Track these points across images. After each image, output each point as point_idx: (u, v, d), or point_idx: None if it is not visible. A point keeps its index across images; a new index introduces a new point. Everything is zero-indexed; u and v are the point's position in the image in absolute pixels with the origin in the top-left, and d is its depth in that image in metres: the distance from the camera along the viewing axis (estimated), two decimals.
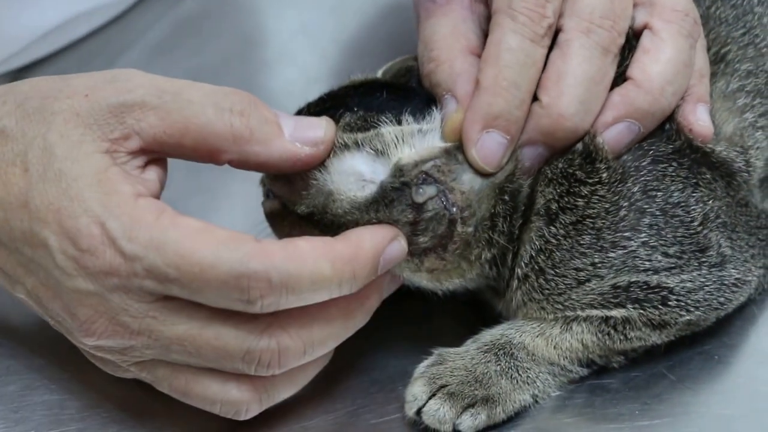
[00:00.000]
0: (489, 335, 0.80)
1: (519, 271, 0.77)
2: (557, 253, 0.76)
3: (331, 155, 0.74)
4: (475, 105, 0.74)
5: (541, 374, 0.78)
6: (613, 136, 0.76)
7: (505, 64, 0.73)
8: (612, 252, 0.75)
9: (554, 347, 0.78)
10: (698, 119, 0.77)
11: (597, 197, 0.75)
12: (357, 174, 0.74)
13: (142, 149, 0.70)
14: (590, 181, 0.75)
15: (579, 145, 0.75)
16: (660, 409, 0.78)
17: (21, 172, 0.69)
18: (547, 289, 0.77)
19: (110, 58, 1.10)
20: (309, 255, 0.68)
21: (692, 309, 0.77)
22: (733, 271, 0.78)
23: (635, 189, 0.76)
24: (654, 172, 0.76)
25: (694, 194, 0.77)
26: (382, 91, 0.78)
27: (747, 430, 0.76)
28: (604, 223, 0.75)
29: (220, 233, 0.67)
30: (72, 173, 0.68)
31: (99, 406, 0.79)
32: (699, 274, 0.76)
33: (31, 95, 0.71)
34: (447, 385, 0.77)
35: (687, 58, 0.77)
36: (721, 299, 0.78)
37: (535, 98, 0.74)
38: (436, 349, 0.79)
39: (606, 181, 0.75)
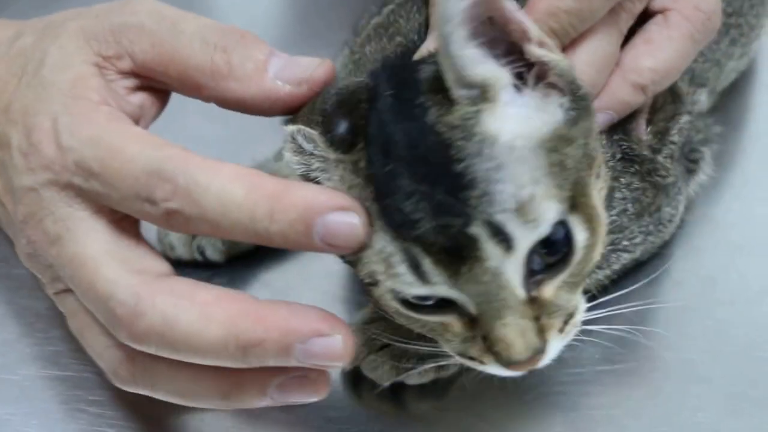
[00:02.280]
0: None
1: None
2: None
3: None
4: None
5: None
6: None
7: None
8: None
9: None
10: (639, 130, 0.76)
11: None
12: None
13: (132, 71, 0.71)
14: None
15: None
16: (622, 353, 0.76)
17: (16, 81, 0.71)
18: None
19: None
20: (226, 172, 0.63)
21: (634, 251, 0.77)
22: (667, 209, 0.78)
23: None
24: (623, 165, 0.74)
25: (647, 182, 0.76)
26: None
27: (713, 373, 0.75)
28: None
29: (157, 140, 0.65)
30: (52, 78, 0.69)
31: None
32: (643, 221, 0.77)
33: (58, 17, 0.73)
34: (388, 346, 0.73)
35: (684, 64, 0.73)
36: (660, 234, 0.79)
37: None
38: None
39: None
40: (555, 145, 0.61)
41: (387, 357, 0.73)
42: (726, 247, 0.82)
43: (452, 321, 0.64)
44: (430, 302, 0.63)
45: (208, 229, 0.63)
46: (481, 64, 0.61)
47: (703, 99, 0.84)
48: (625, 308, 0.72)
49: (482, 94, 0.61)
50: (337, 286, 0.80)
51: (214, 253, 0.82)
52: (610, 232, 0.73)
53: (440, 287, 0.61)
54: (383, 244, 0.61)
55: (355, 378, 0.75)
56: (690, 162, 0.81)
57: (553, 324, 0.63)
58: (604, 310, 0.68)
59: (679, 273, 0.80)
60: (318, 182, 0.65)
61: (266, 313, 0.62)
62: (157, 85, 0.72)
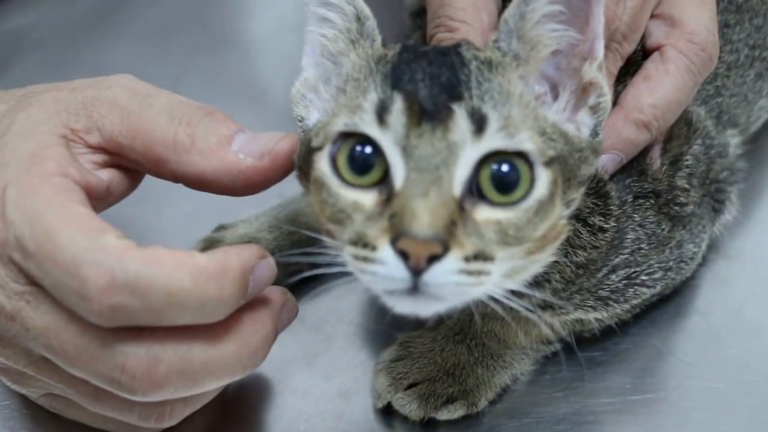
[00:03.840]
0: (455, 321, 0.77)
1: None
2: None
3: None
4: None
5: (516, 356, 0.77)
6: (602, 166, 0.72)
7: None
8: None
9: (525, 334, 0.77)
10: (654, 155, 0.76)
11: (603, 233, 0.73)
12: None
13: (101, 147, 0.69)
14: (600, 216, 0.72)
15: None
16: (652, 383, 0.77)
17: None
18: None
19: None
20: (167, 262, 0.62)
21: (654, 286, 0.77)
22: (690, 245, 0.78)
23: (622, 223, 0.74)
24: (635, 205, 0.75)
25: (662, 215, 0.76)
26: None
27: (740, 402, 0.76)
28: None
29: (96, 223, 0.63)
30: (14, 145, 0.66)
31: None
32: (663, 257, 0.76)
33: (38, 88, 0.72)
34: (416, 384, 0.75)
35: (685, 97, 0.74)
36: (681, 271, 0.79)
37: None
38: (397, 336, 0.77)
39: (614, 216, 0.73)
40: (554, 134, 0.64)
41: (414, 396, 0.74)
42: (752, 280, 0.83)
43: (367, 199, 0.63)
44: (365, 160, 0.63)
45: (152, 320, 0.62)
46: (550, 43, 0.66)
47: (735, 142, 0.84)
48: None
49: (522, 59, 0.66)
50: (369, 319, 0.81)
51: None
52: (626, 266, 0.74)
53: (391, 135, 0.62)
54: (362, 96, 0.64)
55: (387, 412, 0.76)
56: (716, 202, 0.81)
57: (463, 243, 0.60)
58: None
59: (706, 304, 0.81)
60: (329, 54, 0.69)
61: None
62: (126, 164, 0.70)
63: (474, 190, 0.62)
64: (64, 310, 0.63)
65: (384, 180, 0.62)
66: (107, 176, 0.69)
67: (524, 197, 0.62)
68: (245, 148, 0.68)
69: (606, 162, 0.72)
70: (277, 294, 0.68)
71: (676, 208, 0.76)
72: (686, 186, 0.77)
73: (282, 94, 0.72)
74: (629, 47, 0.73)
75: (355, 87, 0.65)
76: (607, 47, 0.70)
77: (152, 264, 0.61)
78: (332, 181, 0.64)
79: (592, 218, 0.71)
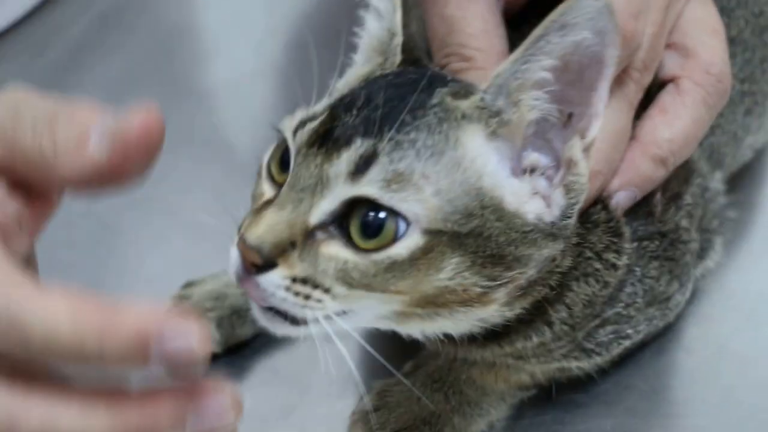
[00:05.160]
0: (433, 368, 0.76)
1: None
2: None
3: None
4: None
5: (493, 402, 0.76)
6: (616, 203, 0.70)
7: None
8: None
9: (504, 381, 0.75)
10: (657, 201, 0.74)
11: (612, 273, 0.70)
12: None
13: None
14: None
15: (602, 214, 0.70)
16: (634, 423, 0.75)
17: None
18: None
19: (31, 55, 1.02)
20: (51, 299, 0.54)
21: (636, 337, 0.75)
22: (678, 296, 0.76)
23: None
24: (639, 249, 0.73)
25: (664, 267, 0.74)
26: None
27: None
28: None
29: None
30: None
31: None
32: (651, 309, 0.74)
33: None
34: None
35: (701, 131, 0.71)
36: (666, 318, 0.77)
37: None
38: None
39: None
40: (481, 210, 0.62)
41: None
42: (736, 315, 0.82)
43: (267, 193, 0.66)
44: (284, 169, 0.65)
45: (26, 352, 0.54)
46: (533, 110, 0.63)
47: (719, 185, 0.82)
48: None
49: (498, 122, 0.63)
50: (347, 370, 0.79)
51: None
52: (615, 321, 0.73)
53: (294, 146, 0.64)
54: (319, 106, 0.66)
55: None
56: (701, 249, 0.79)
57: (293, 265, 0.62)
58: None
59: (689, 341, 0.80)
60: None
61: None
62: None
63: (344, 227, 0.62)
64: None
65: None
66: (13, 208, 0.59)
67: (377, 249, 0.62)
68: (103, 140, 0.58)
69: (621, 199, 0.70)
70: (206, 385, 0.55)
71: (681, 247, 0.74)
72: (687, 226, 0.75)
73: (245, 143, 0.71)
74: (649, 77, 0.70)
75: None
76: (628, 75, 0.68)
77: (34, 299, 0.54)
78: (264, 174, 0.67)
79: (607, 254, 0.69)
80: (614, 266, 0.69)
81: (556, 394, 0.75)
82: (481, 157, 0.63)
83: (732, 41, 0.80)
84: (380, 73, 0.68)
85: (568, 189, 0.64)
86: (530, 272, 0.64)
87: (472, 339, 0.68)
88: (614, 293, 0.71)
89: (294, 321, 0.63)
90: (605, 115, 0.65)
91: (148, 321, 0.53)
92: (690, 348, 0.79)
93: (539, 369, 0.74)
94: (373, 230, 0.61)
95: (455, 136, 0.63)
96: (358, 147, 0.62)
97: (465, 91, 0.65)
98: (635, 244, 0.71)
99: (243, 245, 0.62)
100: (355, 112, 0.63)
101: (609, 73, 0.62)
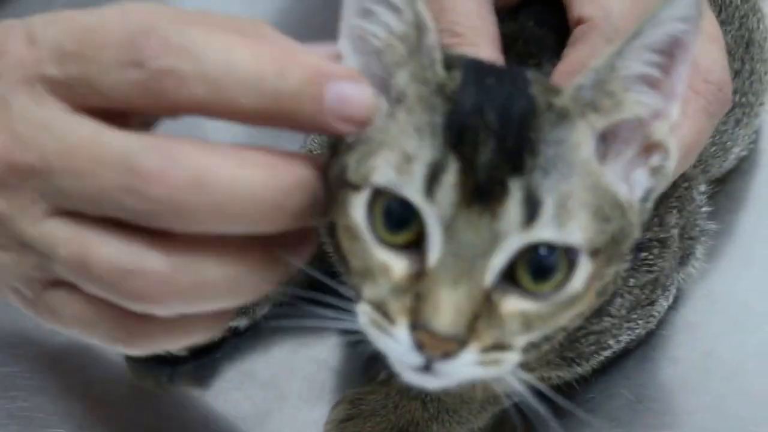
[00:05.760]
0: None
1: None
2: None
3: None
4: None
5: (473, 410, 0.74)
6: None
7: None
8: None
9: (483, 389, 0.72)
10: None
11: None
12: None
13: None
14: None
15: None
16: None
17: None
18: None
19: None
20: (224, 34, 0.57)
21: (617, 347, 0.74)
22: (662, 301, 0.75)
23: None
24: (635, 261, 0.71)
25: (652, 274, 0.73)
26: None
27: None
28: None
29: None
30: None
31: None
32: (633, 316, 0.73)
33: None
34: None
35: (703, 140, 0.68)
36: (648, 325, 0.75)
37: None
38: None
39: None
40: (611, 211, 0.58)
41: None
42: (722, 322, 0.80)
43: (398, 267, 0.56)
44: (396, 228, 0.56)
45: (204, 92, 0.55)
46: (635, 104, 0.58)
47: (702, 196, 0.80)
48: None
49: (597, 117, 0.58)
50: (324, 375, 0.78)
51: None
52: (599, 332, 0.71)
53: (436, 210, 0.55)
54: (416, 143, 0.55)
55: None
56: (683, 256, 0.78)
57: (483, 337, 0.56)
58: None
59: (675, 349, 0.79)
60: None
61: None
62: None
63: (504, 276, 0.56)
64: (89, 123, 0.57)
65: (418, 244, 0.56)
66: None
67: (556, 290, 0.56)
68: None
69: None
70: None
71: (668, 252, 0.73)
72: (672, 221, 0.74)
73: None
74: None
75: (407, 121, 0.56)
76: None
77: (207, 31, 0.56)
78: (367, 237, 0.57)
79: None
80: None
81: (538, 401, 0.73)
82: (591, 158, 0.58)
83: None
84: (457, 84, 0.58)
85: (655, 172, 0.60)
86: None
87: None
88: (604, 305, 0.69)
89: None
90: None
91: (328, 65, 0.56)
92: (675, 356, 0.78)
93: (518, 378, 0.72)
94: (548, 271, 0.56)
95: (576, 138, 0.57)
96: (517, 190, 0.55)
97: (549, 85, 0.60)
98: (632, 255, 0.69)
99: (430, 338, 0.55)
100: (482, 148, 0.55)
101: (689, 57, 0.59)
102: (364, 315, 0.57)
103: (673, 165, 0.60)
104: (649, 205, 0.60)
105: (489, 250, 0.55)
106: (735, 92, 0.81)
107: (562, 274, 0.56)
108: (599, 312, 0.69)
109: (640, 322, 0.74)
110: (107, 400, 0.77)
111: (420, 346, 0.55)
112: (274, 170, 0.56)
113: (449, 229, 0.55)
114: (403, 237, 0.56)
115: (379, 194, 0.56)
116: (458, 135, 0.55)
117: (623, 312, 0.71)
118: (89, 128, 0.57)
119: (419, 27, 0.57)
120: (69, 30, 0.57)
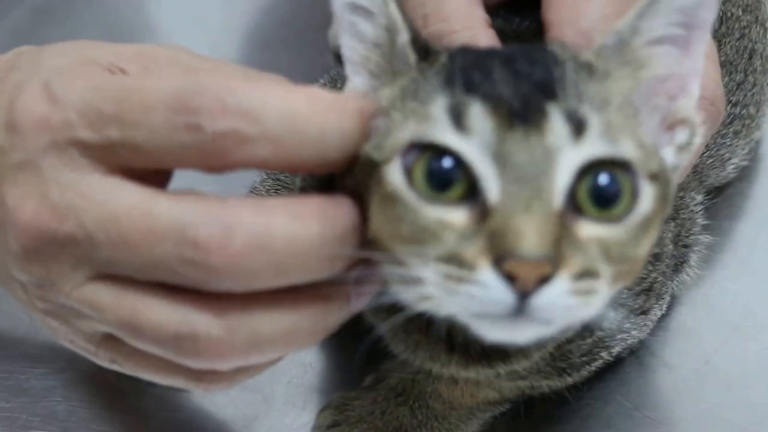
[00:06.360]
0: (396, 380, 0.72)
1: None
2: None
3: None
4: None
5: (462, 417, 0.73)
6: None
7: None
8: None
9: (471, 396, 0.72)
10: None
11: None
12: None
13: None
14: None
15: None
16: None
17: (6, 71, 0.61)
18: None
19: None
20: (277, 87, 0.56)
21: (611, 356, 0.73)
22: (656, 310, 0.75)
23: None
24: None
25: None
26: None
27: None
28: None
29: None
30: (49, 58, 0.60)
31: None
32: (627, 325, 0.73)
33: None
34: None
35: (695, 155, 0.66)
36: (641, 334, 0.75)
37: None
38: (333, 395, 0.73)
39: None
40: (652, 153, 0.57)
41: None
42: (721, 328, 0.79)
43: (457, 217, 0.54)
44: (445, 175, 0.54)
45: (267, 152, 0.55)
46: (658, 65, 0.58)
47: (698, 206, 0.80)
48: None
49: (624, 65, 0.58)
50: (310, 379, 0.77)
51: None
52: (594, 345, 0.71)
53: (477, 141, 0.53)
54: (429, 91, 0.55)
55: None
56: (677, 263, 0.77)
57: (570, 263, 0.53)
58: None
59: (672, 356, 0.77)
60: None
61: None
62: None
63: (571, 205, 0.55)
64: (131, 189, 0.56)
65: (471, 195, 0.54)
66: None
67: (627, 213, 0.55)
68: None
69: None
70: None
71: (660, 264, 0.72)
72: (669, 244, 0.73)
73: None
74: None
75: (407, 103, 0.57)
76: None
77: (263, 88, 0.55)
78: (409, 197, 0.54)
79: None
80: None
81: (534, 408, 0.73)
82: (626, 104, 0.57)
83: (721, 65, 0.77)
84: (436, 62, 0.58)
85: (682, 150, 0.59)
86: None
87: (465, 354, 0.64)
88: (596, 320, 0.67)
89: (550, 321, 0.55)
90: None
91: (365, 105, 0.56)
92: (673, 364, 0.77)
93: (507, 386, 0.71)
94: (613, 194, 0.54)
95: (606, 87, 0.57)
96: (557, 111, 0.54)
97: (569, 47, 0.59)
98: None
99: (523, 265, 0.52)
100: (501, 85, 0.54)
101: (707, 33, 0.58)
102: (435, 274, 0.53)
103: (699, 142, 0.59)
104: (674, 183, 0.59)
105: (548, 169, 0.53)
106: (735, 104, 0.81)
107: (627, 199, 0.55)
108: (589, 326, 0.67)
109: (633, 332, 0.73)
110: (90, 401, 0.76)
111: (512, 279, 0.52)
112: (327, 218, 0.56)
113: (500, 157, 0.53)
114: (452, 194, 0.54)
115: (414, 157, 0.54)
116: (470, 80, 0.55)
117: (614, 324, 0.70)
118: (134, 195, 0.55)
119: (390, 30, 0.58)
120: (99, 89, 0.56)
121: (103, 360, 0.62)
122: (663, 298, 0.75)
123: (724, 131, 0.80)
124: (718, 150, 0.81)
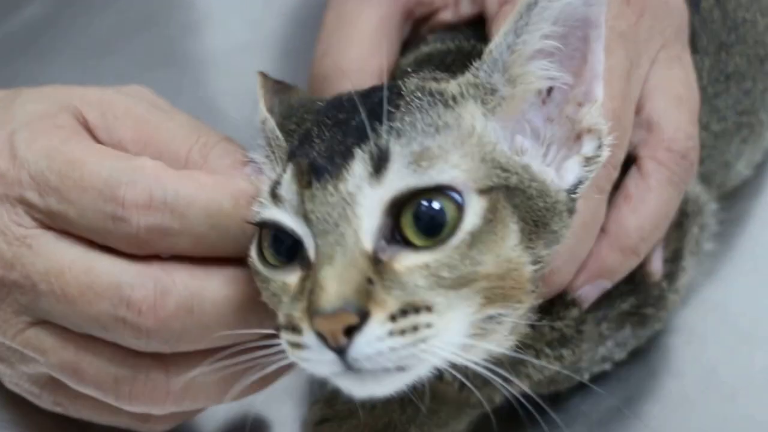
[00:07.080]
0: None
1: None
2: None
3: None
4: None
5: (452, 413, 0.71)
6: (581, 295, 0.68)
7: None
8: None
9: (455, 392, 0.70)
10: (656, 268, 0.71)
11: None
12: None
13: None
14: None
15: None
16: None
17: None
18: None
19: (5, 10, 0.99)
20: (206, 182, 0.61)
21: (607, 367, 0.73)
22: (654, 322, 0.74)
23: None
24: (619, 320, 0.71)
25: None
26: None
27: None
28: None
29: (122, 153, 0.62)
30: (22, 107, 0.64)
31: None
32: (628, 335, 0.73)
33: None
34: None
35: (671, 210, 0.69)
36: (639, 340, 0.74)
37: None
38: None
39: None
40: (511, 167, 0.58)
41: None
42: (730, 335, 0.77)
43: (291, 279, 0.57)
44: (281, 244, 0.58)
45: (187, 244, 0.60)
46: (538, 80, 0.59)
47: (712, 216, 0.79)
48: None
49: (497, 98, 0.59)
50: (290, 380, 0.73)
51: None
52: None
53: (287, 208, 0.57)
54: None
55: None
56: (671, 272, 0.75)
57: (384, 301, 0.54)
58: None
59: (678, 363, 0.76)
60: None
61: None
62: None
63: (398, 238, 0.55)
64: (74, 247, 0.60)
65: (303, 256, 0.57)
66: None
67: (452, 233, 0.55)
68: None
69: (588, 292, 0.67)
70: None
71: (655, 310, 0.73)
72: (675, 298, 0.74)
73: (231, 119, 0.67)
74: (620, 155, 0.66)
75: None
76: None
77: (191, 184, 0.60)
78: (260, 267, 0.59)
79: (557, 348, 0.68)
80: (560, 357, 0.68)
81: (535, 411, 0.68)
82: (488, 131, 0.59)
83: (728, 77, 0.79)
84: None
85: (588, 161, 0.60)
86: (550, 261, 0.61)
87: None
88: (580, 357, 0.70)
89: (401, 368, 0.55)
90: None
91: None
92: (678, 372, 0.75)
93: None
94: (437, 220, 0.55)
95: (455, 115, 0.58)
96: (362, 152, 0.55)
97: (439, 75, 0.61)
98: (612, 325, 0.70)
99: (323, 320, 0.53)
100: (317, 143, 0.58)
101: (600, 33, 0.59)
102: (284, 343, 0.57)
103: (607, 154, 0.60)
104: (575, 197, 0.60)
105: (348, 215, 0.55)
106: (742, 113, 0.80)
107: (453, 218, 0.55)
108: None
109: (632, 340, 0.73)
110: None
111: (322, 337, 0.54)
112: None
113: (305, 216, 0.56)
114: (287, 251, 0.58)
115: (262, 233, 0.59)
116: (297, 147, 0.59)
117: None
118: (76, 253, 0.60)
119: (262, 121, 0.64)
120: (51, 157, 0.60)
121: (47, 403, 0.66)
122: (660, 310, 0.74)
123: (729, 140, 0.80)
124: (722, 156, 0.80)
